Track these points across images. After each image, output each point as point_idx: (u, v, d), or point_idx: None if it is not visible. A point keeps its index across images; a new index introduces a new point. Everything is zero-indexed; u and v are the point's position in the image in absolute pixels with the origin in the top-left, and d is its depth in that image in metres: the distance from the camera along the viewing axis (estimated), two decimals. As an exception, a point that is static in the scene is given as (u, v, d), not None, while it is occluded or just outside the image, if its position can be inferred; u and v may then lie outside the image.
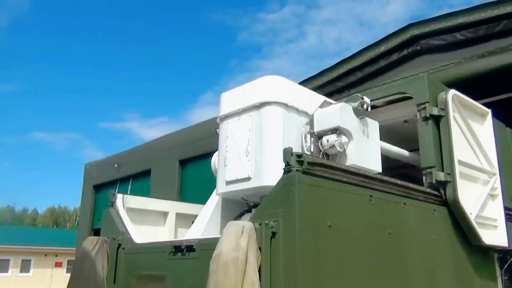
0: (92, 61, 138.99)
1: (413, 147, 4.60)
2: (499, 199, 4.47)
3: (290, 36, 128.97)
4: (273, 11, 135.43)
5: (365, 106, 3.66)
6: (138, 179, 12.42)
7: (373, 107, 4.01)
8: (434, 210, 3.79)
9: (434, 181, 3.86)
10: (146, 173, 11.97)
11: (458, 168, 3.91)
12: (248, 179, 3.41)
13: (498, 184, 4.49)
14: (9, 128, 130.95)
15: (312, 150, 3.54)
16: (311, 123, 3.63)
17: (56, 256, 35.31)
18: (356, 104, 3.67)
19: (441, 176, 3.87)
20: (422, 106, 4.03)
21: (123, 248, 3.81)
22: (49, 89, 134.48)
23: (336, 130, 3.51)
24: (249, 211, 3.74)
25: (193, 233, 4.17)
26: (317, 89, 8.71)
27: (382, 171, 3.76)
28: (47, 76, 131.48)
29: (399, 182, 3.59)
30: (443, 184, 3.89)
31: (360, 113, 3.67)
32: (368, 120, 3.80)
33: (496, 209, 4.42)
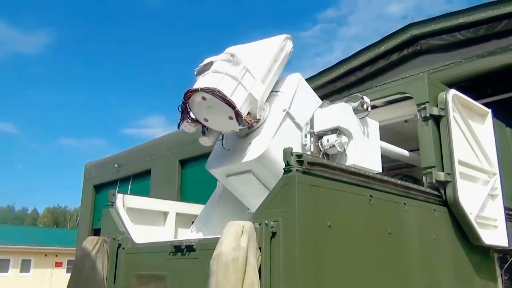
0: (118, 67, 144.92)
1: (413, 147, 4.60)
2: (499, 199, 4.47)
3: (319, 50, 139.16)
4: (306, 29, 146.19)
5: (365, 106, 3.66)
6: (138, 179, 12.43)
7: (373, 107, 4.01)
8: (434, 210, 3.79)
9: (434, 181, 3.86)
10: (146, 173, 11.98)
11: (458, 168, 3.91)
12: None
13: (498, 184, 4.49)
14: (38, 135, 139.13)
15: (312, 150, 3.54)
16: (311, 123, 3.63)
17: (56, 256, 35.27)
18: (356, 104, 3.67)
19: (441, 176, 3.87)
20: (422, 106, 4.03)
21: (123, 248, 3.81)
22: (79, 97, 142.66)
23: (336, 130, 3.51)
24: None
25: (193, 233, 4.17)
26: (317, 89, 8.73)
27: (382, 171, 3.76)
28: (77, 85, 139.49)
29: (399, 182, 3.59)
30: (443, 184, 3.89)
31: (360, 113, 3.67)
32: (368, 120, 3.80)
33: (496, 209, 4.42)
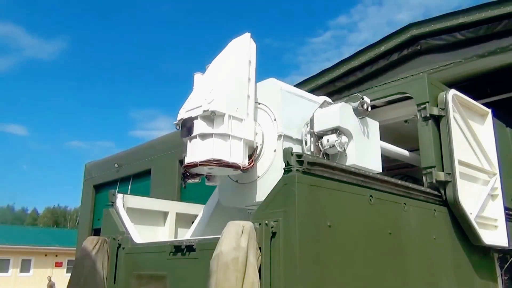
0: (124, 69, 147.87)
1: (413, 147, 4.60)
2: (499, 199, 4.47)
3: (328, 55, 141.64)
4: (318, 35, 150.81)
5: (365, 106, 3.66)
6: (138, 179, 12.42)
7: (373, 107, 4.01)
8: (434, 210, 3.79)
9: (434, 181, 3.86)
10: (146, 173, 11.97)
11: (458, 168, 3.91)
12: None
13: (498, 184, 4.49)
14: (49, 137, 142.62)
15: (312, 150, 3.54)
16: (311, 123, 3.63)
17: (56, 256, 35.29)
18: (356, 104, 3.67)
19: (441, 176, 3.87)
20: (422, 106, 4.03)
21: (123, 248, 3.81)
22: (88, 99, 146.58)
23: (336, 130, 3.51)
24: None
25: (193, 233, 4.17)
26: (317, 89, 8.72)
27: (382, 171, 3.76)
28: (87, 88, 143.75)
29: (399, 182, 3.59)
30: (443, 184, 3.89)
31: (360, 113, 3.67)
32: (368, 120, 3.80)
33: (496, 209, 4.42)
